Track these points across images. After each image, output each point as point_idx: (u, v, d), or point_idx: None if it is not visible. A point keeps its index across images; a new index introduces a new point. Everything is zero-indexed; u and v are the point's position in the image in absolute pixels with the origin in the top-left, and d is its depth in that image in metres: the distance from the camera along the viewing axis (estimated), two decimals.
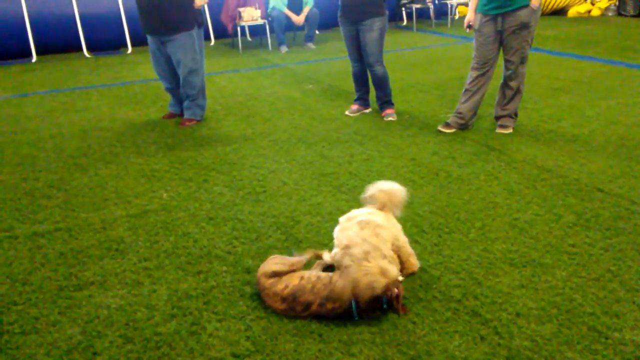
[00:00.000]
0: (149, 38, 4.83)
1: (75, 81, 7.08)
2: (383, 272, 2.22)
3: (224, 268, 2.66)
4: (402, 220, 3.07)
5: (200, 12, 4.86)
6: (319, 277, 2.30)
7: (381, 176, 3.72)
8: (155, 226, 3.11)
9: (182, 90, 4.99)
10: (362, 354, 2.07)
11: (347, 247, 2.33)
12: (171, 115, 5.26)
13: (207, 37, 10.02)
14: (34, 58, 8.59)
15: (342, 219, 2.53)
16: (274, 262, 2.43)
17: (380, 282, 2.19)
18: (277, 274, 2.33)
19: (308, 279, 2.30)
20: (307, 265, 2.51)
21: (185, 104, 5.05)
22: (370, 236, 2.36)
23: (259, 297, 2.39)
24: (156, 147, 4.44)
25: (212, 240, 2.94)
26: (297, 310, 2.26)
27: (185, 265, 2.70)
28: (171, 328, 2.24)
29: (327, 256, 2.54)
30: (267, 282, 2.34)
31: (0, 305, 2.41)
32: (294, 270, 2.36)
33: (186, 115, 5.08)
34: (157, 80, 6.95)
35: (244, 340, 2.16)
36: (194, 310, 2.35)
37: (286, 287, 2.28)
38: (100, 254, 2.83)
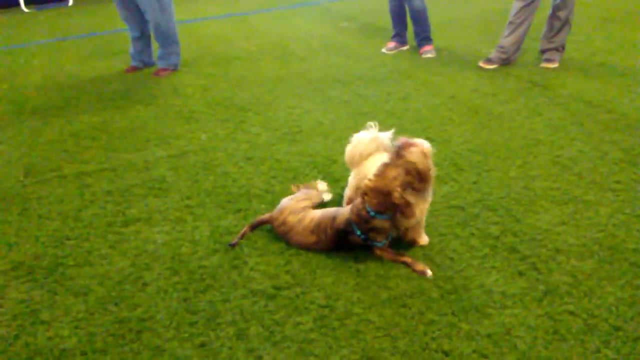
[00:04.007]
0: None
1: (113, 24, 7.10)
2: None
3: (263, 206, 2.72)
4: (440, 158, 3.05)
5: None
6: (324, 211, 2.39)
7: (418, 115, 3.65)
8: (195, 166, 3.18)
9: (154, 39, 4.78)
10: (399, 287, 2.11)
11: None
12: (133, 69, 5.01)
13: None
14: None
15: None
16: (300, 200, 2.51)
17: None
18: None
19: (321, 212, 2.39)
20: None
21: (159, 52, 4.83)
22: None
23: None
24: (193, 88, 4.47)
25: (251, 179, 2.99)
26: (322, 238, 2.30)
27: (225, 204, 2.77)
28: (214, 262, 2.33)
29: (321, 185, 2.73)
30: (295, 220, 2.38)
31: (54, 240, 2.56)
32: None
33: (160, 64, 4.86)
34: (190, 22, 6.90)
35: (283, 274, 2.24)
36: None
37: (312, 220, 2.35)
38: (144, 192, 2.93)
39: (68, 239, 2.56)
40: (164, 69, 4.85)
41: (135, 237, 2.54)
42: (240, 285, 2.19)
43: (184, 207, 2.76)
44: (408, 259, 2.24)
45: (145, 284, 2.22)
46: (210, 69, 4.94)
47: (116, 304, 2.13)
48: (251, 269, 2.28)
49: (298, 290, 2.14)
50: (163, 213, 2.72)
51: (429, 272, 2.18)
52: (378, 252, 2.29)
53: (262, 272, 2.26)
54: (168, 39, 4.75)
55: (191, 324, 2.00)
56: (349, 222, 2.25)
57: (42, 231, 2.64)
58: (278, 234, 2.44)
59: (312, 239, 2.34)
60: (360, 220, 2.20)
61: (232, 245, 2.42)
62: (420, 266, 2.20)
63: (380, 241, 2.25)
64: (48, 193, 2.98)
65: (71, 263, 2.39)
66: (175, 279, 2.25)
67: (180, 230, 2.57)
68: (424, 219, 2.33)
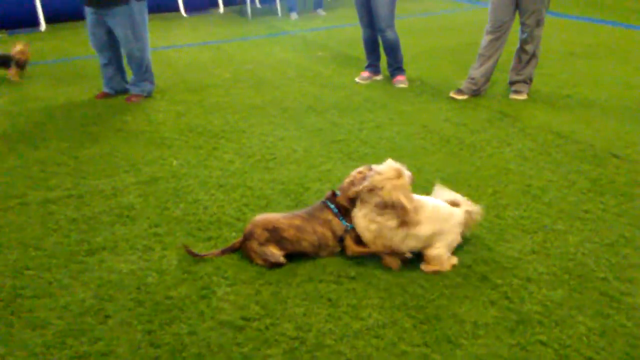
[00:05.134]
0: (86, 9, 4.52)
1: (86, 50, 7.03)
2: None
3: (234, 234, 2.67)
4: (413, 187, 3.04)
5: None
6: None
7: (392, 143, 3.68)
8: (165, 193, 3.11)
9: (128, 65, 4.78)
10: (371, 317, 2.08)
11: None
12: (104, 95, 4.90)
13: (216, 4, 9.86)
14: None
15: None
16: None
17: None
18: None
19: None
20: None
21: (132, 79, 4.82)
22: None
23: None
24: (165, 115, 4.42)
25: (222, 207, 2.94)
26: (276, 238, 2.40)
27: (196, 232, 2.71)
28: (182, 292, 2.26)
29: None
30: (256, 219, 2.49)
31: (13, 270, 2.44)
32: None
33: (134, 91, 4.82)
34: (165, 49, 6.90)
35: (253, 304, 2.18)
36: (204, 275, 2.36)
37: (270, 222, 2.45)
38: (111, 220, 2.84)
39: (28, 269, 2.45)
40: (137, 95, 4.81)
41: (99, 267, 2.44)
42: (208, 316, 2.12)
43: (152, 235, 2.68)
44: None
45: (107, 316, 2.13)
46: (184, 96, 4.91)
47: (76, 338, 2.03)
48: (220, 299, 2.21)
49: (268, 321, 2.08)
50: (130, 241, 2.64)
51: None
52: (349, 243, 2.42)
53: (231, 302, 2.19)
54: (142, 67, 4.73)
55: (155, 359, 1.92)
56: (329, 198, 2.52)
57: (0, 261, 2.52)
58: (249, 236, 2.42)
59: (265, 235, 2.39)
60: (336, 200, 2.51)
61: (191, 252, 2.47)
62: (390, 259, 2.35)
63: (349, 222, 2.44)
64: (9, 221, 2.87)
65: (30, 294, 2.28)
66: (140, 310, 2.16)
67: (147, 259, 2.49)
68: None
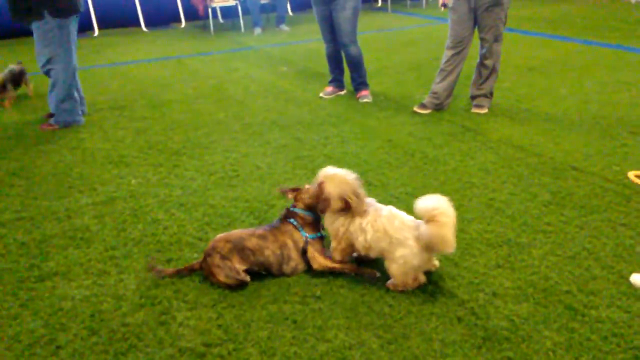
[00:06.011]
0: None
1: None
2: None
3: (195, 255, 2.58)
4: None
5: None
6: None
7: (356, 158, 3.66)
8: (122, 213, 2.99)
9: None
10: (338, 339, 2.02)
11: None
12: (48, 119, 4.50)
13: (177, 19, 9.75)
14: None
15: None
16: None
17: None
18: None
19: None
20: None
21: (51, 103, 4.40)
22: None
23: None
24: (124, 132, 4.29)
25: (183, 226, 2.84)
26: (238, 248, 2.34)
27: (155, 253, 2.60)
28: (139, 318, 2.15)
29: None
30: (217, 236, 2.43)
31: None
32: None
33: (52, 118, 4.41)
34: (124, 64, 6.75)
35: (215, 328, 2.09)
36: (163, 300, 2.26)
37: (232, 234, 2.41)
38: (64, 243, 2.70)
39: None
40: (49, 124, 4.37)
41: (50, 294, 2.31)
42: (167, 343, 2.02)
43: (107, 259, 2.56)
44: (353, 268, 2.37)
45: (58, 347, 2.01)
46: (144, 112, 4.79)
47: None
48: (180, 325, 2.12)
49: (230, 346, 2.00)
50: (84, 266, 2.51)
51: (378, 273, 2.33)
52: (314, 255, 2.39)
53: (192, 327, 2.10)
54: (59, 94, 4.29)
55: None
56: (287, 214, 2.50)
57: None
58: (211, 251, 2.33)
59: (228, 246, 2.34)
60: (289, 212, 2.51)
61: (153, 267, 2.42)
62: (367, 270, 2.34)
63: (310, 233, 2.44)
64: None
65: None
66: (94, 339, 2.04)
67: (102, 285, 2.37)
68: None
